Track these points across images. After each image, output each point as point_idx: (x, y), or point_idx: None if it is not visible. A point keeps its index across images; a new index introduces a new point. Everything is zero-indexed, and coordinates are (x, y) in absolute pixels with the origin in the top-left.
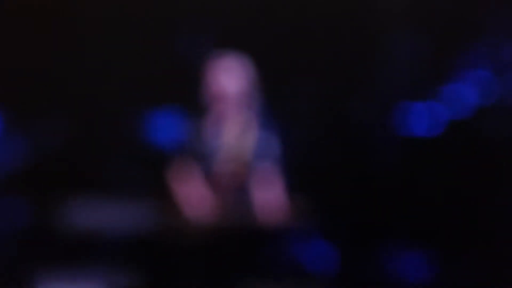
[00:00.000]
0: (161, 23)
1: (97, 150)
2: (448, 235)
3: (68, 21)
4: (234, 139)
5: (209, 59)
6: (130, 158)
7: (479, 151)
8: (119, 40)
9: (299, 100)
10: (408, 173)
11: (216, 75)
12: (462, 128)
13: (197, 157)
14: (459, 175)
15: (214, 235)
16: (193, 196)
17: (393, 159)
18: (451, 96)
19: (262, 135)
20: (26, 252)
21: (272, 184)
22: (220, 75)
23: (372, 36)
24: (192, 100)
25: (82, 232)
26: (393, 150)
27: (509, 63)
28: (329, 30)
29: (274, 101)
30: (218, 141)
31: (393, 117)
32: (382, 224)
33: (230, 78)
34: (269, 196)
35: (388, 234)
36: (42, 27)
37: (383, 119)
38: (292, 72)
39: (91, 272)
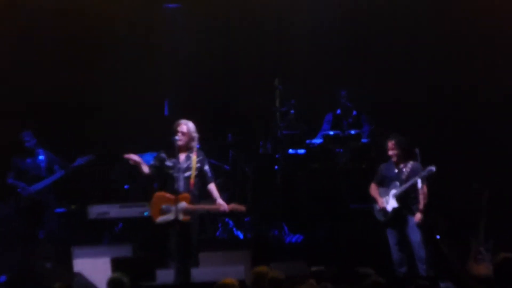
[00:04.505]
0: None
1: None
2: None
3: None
4: (193, 162)
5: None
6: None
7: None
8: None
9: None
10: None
11: (181, 128)
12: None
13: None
14: (315, 173)
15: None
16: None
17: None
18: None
19: (200, 158)
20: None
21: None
22: (182, 128)
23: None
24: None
25: (102, 220)
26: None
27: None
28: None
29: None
30: (189, 164)
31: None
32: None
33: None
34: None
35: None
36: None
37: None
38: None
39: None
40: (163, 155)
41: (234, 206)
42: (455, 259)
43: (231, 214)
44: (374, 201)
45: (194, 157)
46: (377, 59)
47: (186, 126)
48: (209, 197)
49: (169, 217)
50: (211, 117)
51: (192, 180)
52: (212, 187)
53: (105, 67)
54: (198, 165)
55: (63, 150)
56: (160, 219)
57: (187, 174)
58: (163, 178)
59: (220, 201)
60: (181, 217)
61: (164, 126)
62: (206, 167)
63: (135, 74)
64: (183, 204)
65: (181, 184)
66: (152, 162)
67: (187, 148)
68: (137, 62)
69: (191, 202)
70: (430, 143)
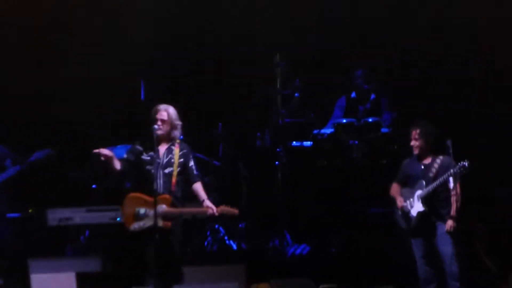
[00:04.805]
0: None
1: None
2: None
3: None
4: (175, 156)
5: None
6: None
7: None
8: (98, 95)
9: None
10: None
11: (160, 115)
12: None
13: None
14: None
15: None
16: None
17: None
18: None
19: (183, 152)
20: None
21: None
22: (162, 114)
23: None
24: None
25: (64, 226)
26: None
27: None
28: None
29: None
30: (171, 159)
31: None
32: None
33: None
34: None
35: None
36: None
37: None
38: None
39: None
40: (138, 147)
41: (225, 209)
42: (498, 275)
43: (221, 219)
44: (395, 203)
45: (176, 150)
46: (401, 32)
47: (167, 112)
48: (195, 199)
49: (146, 223)
50: (197, 102)
51: (174, 178)
52: (198, 186)
53: (67, 43)
54: (181, 160)
55: (17, 143)
56: (135, 225)
57: (167, 170)
58: (139, 175)
59: (207, 203)
60: (161, 223)
61: (140, 112)
62: (191, 163)
63: (103, 50)
64: (163, 207)
65: (160, 183)
66: (125, 156)
67: (168, 139)
68: (105, 34)
69: (172, 204)
70: (465, 133)
